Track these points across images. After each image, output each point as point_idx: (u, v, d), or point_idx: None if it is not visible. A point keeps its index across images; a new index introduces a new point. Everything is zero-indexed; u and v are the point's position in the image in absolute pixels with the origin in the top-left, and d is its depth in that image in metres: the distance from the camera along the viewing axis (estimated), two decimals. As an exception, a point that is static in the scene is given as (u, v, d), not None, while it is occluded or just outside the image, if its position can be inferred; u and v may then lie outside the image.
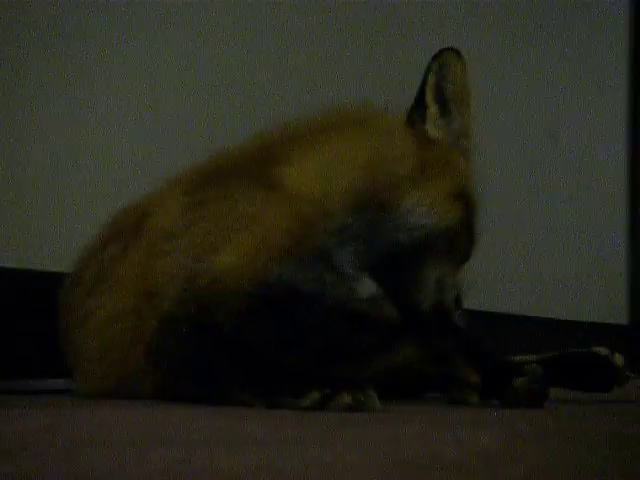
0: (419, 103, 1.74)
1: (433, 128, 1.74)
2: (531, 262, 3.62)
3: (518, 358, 1.91)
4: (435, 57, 1.74)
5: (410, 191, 1.66)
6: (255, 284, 1.55)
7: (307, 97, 2.62)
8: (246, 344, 1.51)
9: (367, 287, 1.65)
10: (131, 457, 0.85)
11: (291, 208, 1.62)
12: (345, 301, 1.62)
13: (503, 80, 3.52)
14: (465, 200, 1.71)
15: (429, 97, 1.74)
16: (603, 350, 1.86)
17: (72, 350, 1.78)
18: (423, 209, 1.65)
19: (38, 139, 2.20)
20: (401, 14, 3.09)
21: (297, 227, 1.61)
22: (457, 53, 1.74)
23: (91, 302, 1.74)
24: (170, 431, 1.13)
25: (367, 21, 2.99)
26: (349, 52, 2.92)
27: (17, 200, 2.16)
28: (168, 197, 1.74)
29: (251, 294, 1.55)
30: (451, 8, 3.29)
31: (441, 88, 1.74)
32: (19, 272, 2.13)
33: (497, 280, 3.35)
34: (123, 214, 1.83)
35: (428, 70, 1.73)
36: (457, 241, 1.70)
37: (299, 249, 1.60)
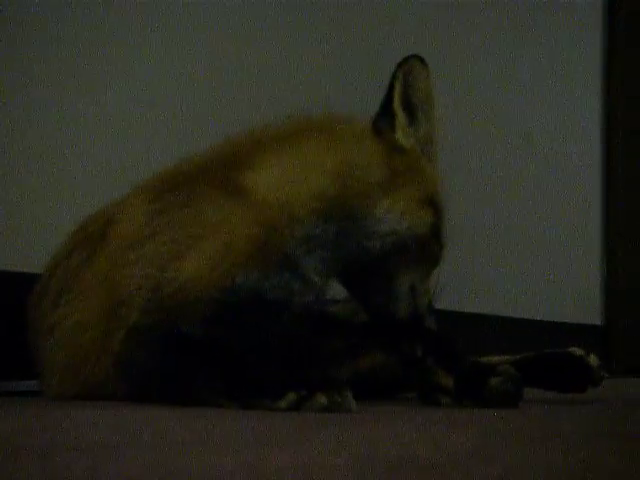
0: (386, 111, 1.74)
1: (403, 136, 1.73)
2: (506, 263, 3.63)
3: (494, 359, 1.91)
4: (400, 65, 1.72)
5: (381, 199, 1.66)
6: (220, 290, 1.56)
7: (301, 99, 2.62)
8: (217, 349, 1.51)
9: (337, 292, 1.66)
10: (106, 459, 0.85)
11: (256, 214, 1.62)
12: (313, 306, 1.63)
13: (476, 82, 3.52)
14: (434, 206, 1.72)
15: (397, 105, 1.73)
16: (578, 350, 1.87)
17: (40, 358, 1.77)
18: (394, 216, 1.66)
19: (30, 140, 2.18)
20: (374, 21, 3.09)
21: (262, 233, 1.61)
22: (421, 60, 1.73)
23: (58, 311, 1.73)
24: (145, 433, 1.12)
25: (343, 22, 2.99)
26: (328, 55, 2.92)
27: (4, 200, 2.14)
28: (132, 204, 1.72)
29: (216, 300, 1.55)
30: (426, 13, 3.29)
31: (407, 96, 1.73)
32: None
33: (472, 281, 3.36)
34: (88, 221, 1.82)
35: (394, 78, 1.72)
36: (428, 247, 1.71)
37: (264, 255, 1.60)
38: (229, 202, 1.64)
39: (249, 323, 1.55)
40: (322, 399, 1.39)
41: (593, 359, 1.86)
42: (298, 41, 2.85)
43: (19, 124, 2.16)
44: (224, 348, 1.50)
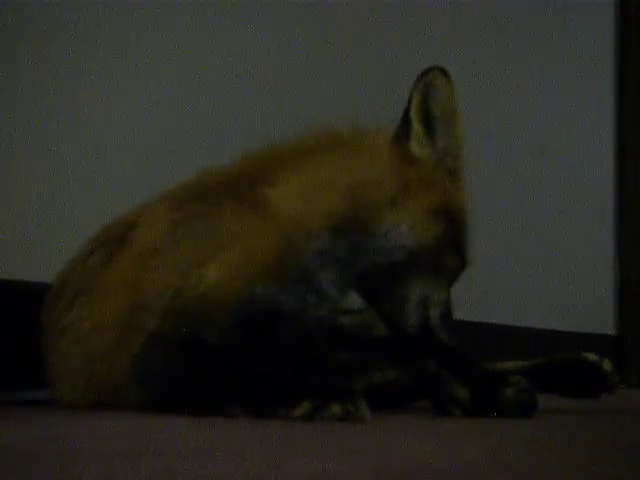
0: (404, 121, 1.75)
1: (417, 147, 1.74)
2: (520, 272, 3.62)
3: (508, 365, 1.91)
4: (421, 76, 1.73)
5: (389, 213, 1.67)
6: (239, 300, 1.58)
7: (307, 110, 2.63)
8: (234, 358, 1.52)
9: (352, 302, 1.68)
10: (119, 468, 0.85)
11: (275, 227, 1.65)
12: (329, 319, 1.64)
13: (491, 96, 3.52)
14: (447, 217, 1.71)
15: (414, 115, 1.73)
16: (592, 356, 1.86)
17: (53, 362, 1.78)
18: (402, 229, 1.67)
19: (35, 148, 2.19)
20: (390, 32, 3.09)
21: (281, 246, 1.64)
22: (443, 72, 1.73)
23: (73, 312, 1.74)
24: (158, 441, 1.13)
25: (360, 35, 2.99)
26: (346, 66, 2.92)
27: (10, 209, 2.15)
28: (155, 211, 1.75)
29: (235, 310, 1.57)
30: (438, 24, 3.29)
31: (426, 107, 1.74)
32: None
33: (486, 291, 3.35)
34: (108, 226, 1.84)
35: (414, 89, 1.73)
36: (442, 258, 1.71)
37: (282, 268, 1.63)
38: (249, 214, 1.67)
39: (266, 333, 1.57)
40: (336, 409, 1.39)
41: (607, 364, 1.85)
42: (322, 51, 2.86)
43: (26, 131, 2.17)
44: (240, 357, 1.51)
